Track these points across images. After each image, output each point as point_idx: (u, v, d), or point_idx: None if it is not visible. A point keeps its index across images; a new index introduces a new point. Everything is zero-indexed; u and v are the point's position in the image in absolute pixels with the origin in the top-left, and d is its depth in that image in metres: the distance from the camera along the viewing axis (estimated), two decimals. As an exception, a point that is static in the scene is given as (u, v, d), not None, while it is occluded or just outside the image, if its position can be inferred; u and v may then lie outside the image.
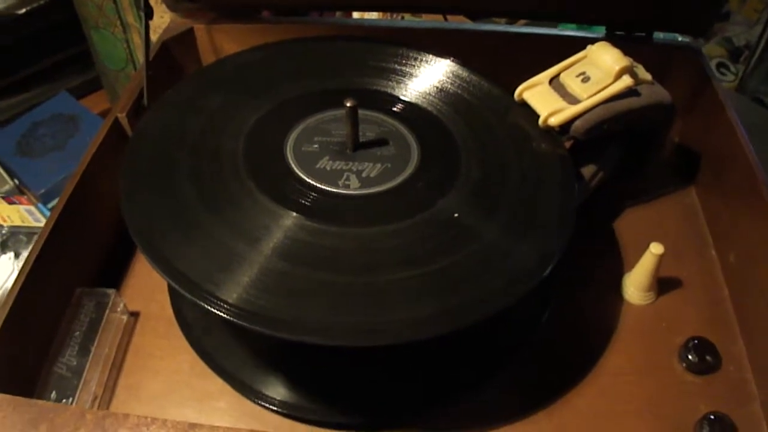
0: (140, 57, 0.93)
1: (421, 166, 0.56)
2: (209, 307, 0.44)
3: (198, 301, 0.45)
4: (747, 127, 0.65)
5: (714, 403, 0.53)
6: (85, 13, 0.93)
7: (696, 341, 0.56)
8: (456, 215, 0.52)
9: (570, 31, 0.75)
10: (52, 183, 0.89)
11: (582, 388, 0.55)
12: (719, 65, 1.32)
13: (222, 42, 0.78)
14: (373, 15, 0.96)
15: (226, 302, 0.45)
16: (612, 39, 0.72)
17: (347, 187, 0.54)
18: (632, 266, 0.61)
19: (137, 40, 0.91)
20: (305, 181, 0.54)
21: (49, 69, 1.10)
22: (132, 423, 0.42)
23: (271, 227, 0.50)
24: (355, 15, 0.96)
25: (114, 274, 0.63)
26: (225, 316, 0.44)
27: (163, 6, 0.76)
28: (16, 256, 0.82)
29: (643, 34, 0.73)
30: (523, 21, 0.98)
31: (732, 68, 1.30)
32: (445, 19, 0.84)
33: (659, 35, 0.74)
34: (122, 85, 1.00)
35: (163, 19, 0.83)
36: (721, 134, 0.66)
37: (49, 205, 0.89)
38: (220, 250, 0.48)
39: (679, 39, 0.75)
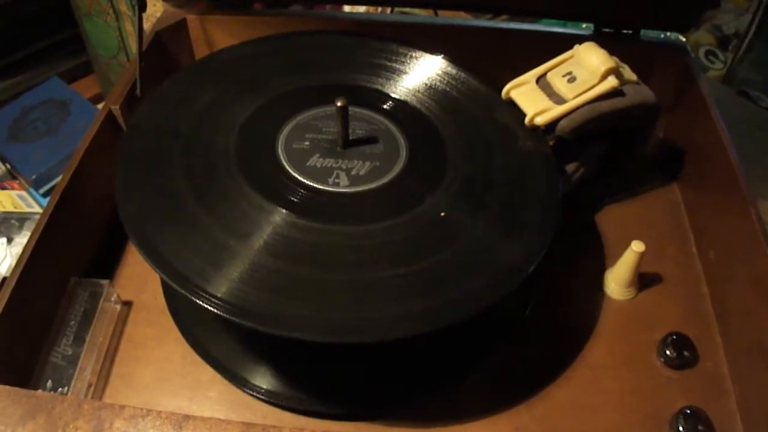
0: (132, 45, 0.93)
1: (409, 164, 0.57)
2: (199, 301, 0.46)
3: (188, 295, 0.46)
4: (732, 121, 0.66)
5: (690, 398, 0.55)
6: (77, 0, 0.93)
7: (674, 337, 0.58)
8: (443, 214, 0.53)
9: (558, 28, 0.76)
10: (44, 168, 0.89)
11: (562, 381, 0.56)
12: (708, 53, 1.32)
13: (214, 33, 0.78)
14: (362, 9, 0.96)
15: (215, 296, 0.46)
16: (599, 36, 0.73)
17: (337, 185, 0.55)
18: (614, 262, 0.62)
19: (129, 28, 0.91)
20: (296, 178, 0.55)
21: (40, 53, 1.10)
22: (128, 414, 0.43)
23: (261, 223, 0.51)
24: (346, 8, 0.96)
25: (107, 264, 0.64)
26: (214, 310, 0.45)
27: (156, -5, 0.77)
28: (9, 241, 0.82)
29: (631, 31, 0.74)
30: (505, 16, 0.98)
31: (721, 56, 1.31)
32: (436, 14, 0.85)
33: (646, 32, 0.75)
34: (114, 72, 1.00)
35: (156, 8, 0.83)
36: (705, 132, 0.67)
37: (41, 191, 0.89)
38: (211, 245, 0.49)
39: (663, 36, 0.76)
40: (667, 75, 0.73)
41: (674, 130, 0.75)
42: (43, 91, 0.99)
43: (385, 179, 0.55)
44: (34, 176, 0.89)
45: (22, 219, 0.85)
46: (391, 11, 0.91)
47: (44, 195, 0.89)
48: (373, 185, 0.55)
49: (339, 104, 0.55)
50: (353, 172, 0.56)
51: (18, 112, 0.97)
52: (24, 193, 0.90)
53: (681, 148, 0.73)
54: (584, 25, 0.81)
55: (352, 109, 0.57)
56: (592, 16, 0.74)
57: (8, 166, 0.92)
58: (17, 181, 0.91)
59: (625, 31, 0.74)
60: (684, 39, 0.77)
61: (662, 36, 0.76)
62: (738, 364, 0.56)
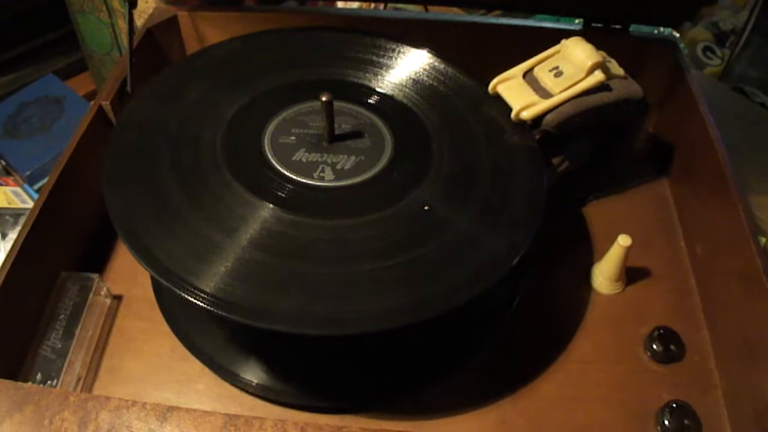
0: (125, 41, 0.93)
1: (394, 158, 0.57)
2: (187, 296, 0.46)
3: (176, 290, 0.46)
4: (726, 117, 0.66)
5: (677, 392, 0.55)
6: (71, -4, 0.93)
7: (661, 331, 0.58)
8: (426, 207, 0.53)
9: (547, 23, 0.76)
10: (38, 164, 0.89)
11: (548, 374, 0.56)
12: (705, 49, 1.32)
13: (205, 29, 0.78)
14: (355, 4, 0.96)
15: (203, 291, 0.46)
16: (589, 31, 0.73)
17: (322, 179, 0.55)
18: (602, 256, 0.62)
19: (122, 25, 0.92)
20: (282, 173, 0.55)
21: (35, 50, 1.10)
22: (113, 406, 0.43)
23: (247, 218, 0.51)
24: (339, 4, 0.96)
25: (97, 258, 0.64)
26: (201, 304, 0.45)
27: (148, -8, 0.77)
28: (3, 237, 0.83)
29: (620, 26, 0.74)
30: (498, 11, 0.98)
31: (718, 52, 1.30)
32: (426, 9, 0.85)
33: (639, 28, 0.75)
34: (107, 69, 1.00)
35: (147, 4, 0.84)
36: (694, 127, 0.67)
37: (36, 187, 0.90)
38: (199, 240, 0.50)
39: (656, 31, 0.76)
40: (656, 70, 0.73)
41: (664, 125, 0.75)
42: (39, 88, 0.99)
43: (370, 173, 0.56)
44: (28, 172, 0.89)
45: (16, 215, 0.85)
46: (384, 7, 0.91)
47: (38, 191, 0.89)
48: (358, 179, 0.55)
49: (324, 99, 0.55)
50: (338, 167, 0.56)
51: (13, 109, 0.97)
52: (18, 189, 0.90)
53: (670, 142, 0.73)
54: (577, 21, 0.81)
55: (338, 103, 0.57)
56: (581, 10, 0.74)
57: (3, 163, 0.92)
58: (12, 178, 0.91)
59: (614, 26, 0.74)
60: (678, 35, 0.77)
61: (655, 31, 0.76)
62: (725, 358, 0.56)
